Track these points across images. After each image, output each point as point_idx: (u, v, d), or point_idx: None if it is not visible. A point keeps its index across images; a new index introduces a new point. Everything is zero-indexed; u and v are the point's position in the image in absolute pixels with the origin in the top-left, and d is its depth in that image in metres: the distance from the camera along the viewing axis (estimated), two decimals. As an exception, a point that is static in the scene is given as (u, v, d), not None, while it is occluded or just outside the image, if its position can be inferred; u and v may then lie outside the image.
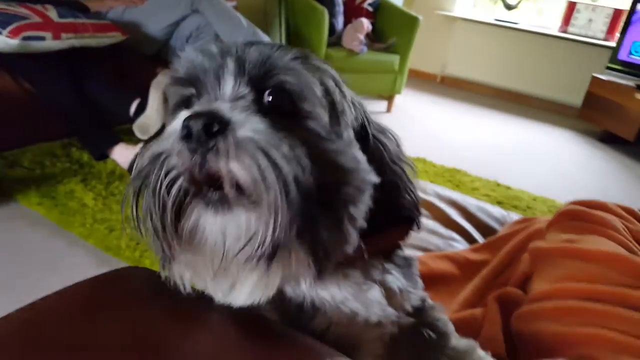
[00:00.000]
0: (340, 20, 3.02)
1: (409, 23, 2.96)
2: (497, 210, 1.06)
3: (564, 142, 3.16)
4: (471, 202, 1.07)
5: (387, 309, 0.40)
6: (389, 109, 3.17)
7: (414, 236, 0.95)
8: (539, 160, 2.71)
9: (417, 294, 0.44)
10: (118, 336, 0.31)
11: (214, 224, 0.31)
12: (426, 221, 0.99)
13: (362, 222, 0.35)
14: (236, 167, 0.28)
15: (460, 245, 0.92)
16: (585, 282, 0.59)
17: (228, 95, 0.34)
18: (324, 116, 0.35)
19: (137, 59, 1.96)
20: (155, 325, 0.33)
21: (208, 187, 0.30)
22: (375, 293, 0.39)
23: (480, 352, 0.47)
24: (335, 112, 0.36)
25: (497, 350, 0.59)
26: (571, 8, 3.71)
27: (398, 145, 0.44)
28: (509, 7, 3.89)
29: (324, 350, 0.34)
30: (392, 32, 3.04)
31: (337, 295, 0.38)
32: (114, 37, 1.74)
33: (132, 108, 1.65)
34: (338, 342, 0.38)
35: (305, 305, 0.38)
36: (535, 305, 0.60)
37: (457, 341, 0.46)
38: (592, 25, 3.68)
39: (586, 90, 3.38)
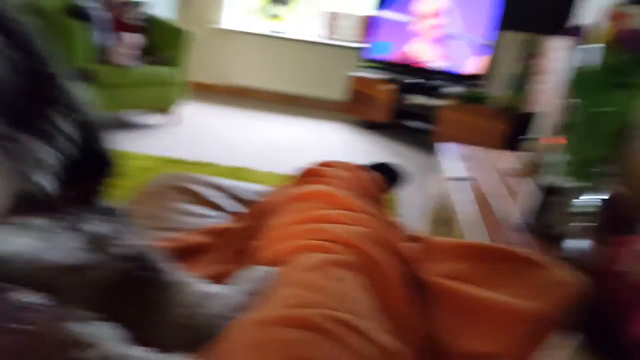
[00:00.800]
0: (109, 36, 2.89)
1: (181, 36, 3.02)
2: (260, 187, 1.18)
3: (335, 133, 3.61)
4: (235, 184, 1.16)
5: (85, 254, 0.43)
6: (172, 121, 3.16)
7: (168, 218, 0.98)
8: (314, 150, 3.04)
9: (126, 240, 0.48)
10: None
11: None
12: (181, 205, 1.03)
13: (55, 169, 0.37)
14: None
15: (219, 221, 0.99)
16: (297, 213, 0.72)
17: None
18: None
19: None
20: None
21: None
22: (69, 240, 0.42)
23: (191, 280, 0.53)
24: None
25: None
26: (329, 17, 4.25)
27: (85, 102, 0.46)
28: (276, 19, 4.24)
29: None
30: (165, 46, 3.04)
31: (26, 243, 0.40)
32: None
33: None
34: (37, 289, 0.39)
35: None
36: (261, 241, 0.71)
37: (169, 274, 0.51)
38: (347, 31, 4.26)
39: (347, 86, 3.93)
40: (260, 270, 0.58)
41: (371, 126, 3.82)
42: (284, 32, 4.27)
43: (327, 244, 0.61)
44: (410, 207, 2.19)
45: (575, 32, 1.82)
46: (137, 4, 3.02)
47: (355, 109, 3.87)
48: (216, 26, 4.25)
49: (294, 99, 4.42)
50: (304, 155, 2.84)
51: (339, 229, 0.65)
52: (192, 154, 2.55)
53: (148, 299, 0.50)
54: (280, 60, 4.31)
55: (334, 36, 4.26)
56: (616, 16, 1.05)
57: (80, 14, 2.57)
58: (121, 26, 2.98)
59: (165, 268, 0.51)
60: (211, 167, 2.37)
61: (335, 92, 4.31)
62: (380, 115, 3.61)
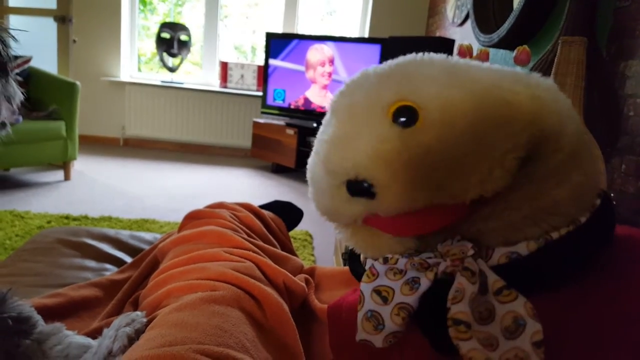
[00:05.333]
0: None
1: (68, 89, 2.89)
2: (149, 235, 1.16)
3: (242, 178, 3.62)
4: (124, 233, 1.13)
5: None
6: (66, 177, 2.98)
7: (53, 273, 0.94)
8: (222, 196, 3.02)
9: None
10: None
11: None
12: (77, 260, 1.00)
13: None
14: None
15: (106, 273, 0.96)
16: (182, 255, 0.73)
17: None
18: None
19: None
20: None
21: None
22: None
23: (67, 332, 0.52)
24: None
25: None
26: (225, 67, 4.32)
27: None
28: (171, 70, 4.23)
29: None
30: (51, 100, 2.90)
31: None
32: None
33: None
34: None
35: None
36: (146, 288, 0.70)
37: (43, 327, 0.50)
38: (244, 80, 4.37)
39: (252, 133, 4.00)
40: (131, 315, 0.57)
41: (278, 170, 3.90)
42: (182, 83, 4.28)
43: (206, 282, 0.63)
44: (324, 243, 2.25)
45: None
46: (15, 58, 2.88)
47: (262, 154, 3.94)
48: (111, 79, 4.15)
49: (199, 147, 4.39)
50: (210, 201, 2.80)
51: (219, 266, 0.67)
52: (91, 210, 2.42)
53: (19, 351, 0.48)
54: (181, 110, 4.29)
55: (231, 85, 4.35)
56: (462, 54, 1.23)
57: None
58: None
59: (40, 321, 0.50)
60: (112, 221, 2.26)
61: (241, 139, 4.36)
62: (286, 159, 3.70)
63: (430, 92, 0.42)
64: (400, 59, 0.49)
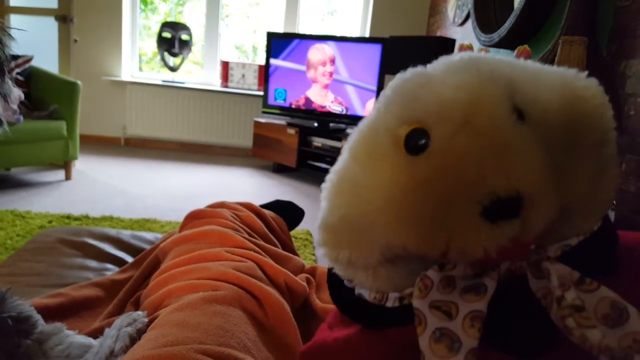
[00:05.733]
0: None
1: (69, 89, 2.89)
2: (151, 235, 1.16)
3: (243, 178, 3.62)
4: (125, 233, 1.13)
5: None
6: (67, 177, 2.99)
7: (55, 273, 0.94)
8: (223, 195, 3.02)
9: None
10: None
11: None
12: (78, 260, 1.00)
13: None
14: None
15: (107, 272, 0.97)
16: (183, 255, 0.73)
17: None
18: None
19: None
20: None
21: None
22: None
23: (68, 332, 0.52)
24: None
25: None
26: (226, 67, 4.32)
27: None
28: (172, 69, 4.23)
29: None
30: (52, 99, 2.90)
31: None
32: None
33: None
34: None
35: None
36: (148, 288, 0.70)
37: (44, 327, 0.50)
38: (245, 80, 4.37)
39: (252, 132, 3.99)
40: (132, 315, 0.58)
41: (279, 169, 3.90)
42: (183, 82, 4.28)
43: (207, 282, 0.63)
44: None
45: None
46: (15, 57, 2.89)
47: (263, 153, 3.94)
48: (112, 78, 4.15)
49: (201, 147, 4.39)
50: (211, 201, 2.80)
51: (221, 266, 0.67)
52: (92, 209, 2.43)
53: (20, 351, 0.48)
54: (182, 109, 4.29)
55: (232, 84, 4.35)
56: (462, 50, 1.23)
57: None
58: None
59: (40, 320, 0.50)
60: (113, 221, 2.26)
61: (242, 138, 4.36)
62: (287, 158, 3.70)
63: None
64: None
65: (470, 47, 1.27)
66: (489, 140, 0.34)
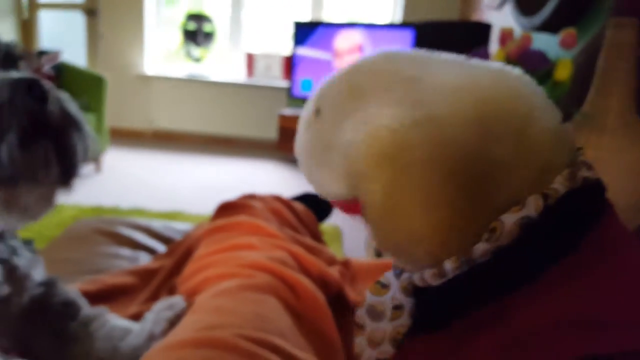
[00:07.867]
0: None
1: (96, 83, 2.95)
2: (183, 225, 1.17)
3: (269, 171, 3.63)
4: (157, 223, 1.14)
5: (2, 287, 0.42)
6: (97, 170, 3.05)
7: (91, 261, 0.95)
8: (248, 188, 3.02)
9: (38, 270, 0.48)
10: None
11: None
12: (112, 249, 1.01)
13: None
14: None
15: (142, 261, 0.97)
16: (216, 244, 0.73)
17: None
18: None
19: None
20: None
21: None
22: None
23: (110, 316, 0.53)
24: None
25: None
26: (250, 58, 4.32)
27: None
28: (196, 61, 4.26)
29: None
30: (80, 93, 2.96)
31: None
32: None
33: None
34: None
35: None
36: (182, 276, 0.70)
37: (88, 309, 0.51)
38: (270, 71, 4.36)
39: (277, 125, 3.99)
40: (171, 300, 0.58)
41: (304, 161, 3.89)
42: (206, 75, 4.30)
43: (242, 269, 0.63)
44: (354, 238, 2.24)
45: (483, 56, 2.00)
46: (42, 53, 2.96)
47: (287, 146, 3.92)
48: (138, 72, 4.21)
49: (225, 140, 4.42)
50: (237, 194, 2.82)
51: (255, 255, 0.67)
52: (122, 201, 2.47)
53: (67, 333, 0.49)
54: (207, 102, 4.31)
55: (257, 77, 4.35)
56: (504, 38, 1.18)
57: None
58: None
59: (79, 300, 0.51)
60: (143, 213, 2.30)
61: (266, 131, 4.36)
62: (311, 150, 3.69)
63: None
64: None
65: (510, 33, 1.22)
66: None
